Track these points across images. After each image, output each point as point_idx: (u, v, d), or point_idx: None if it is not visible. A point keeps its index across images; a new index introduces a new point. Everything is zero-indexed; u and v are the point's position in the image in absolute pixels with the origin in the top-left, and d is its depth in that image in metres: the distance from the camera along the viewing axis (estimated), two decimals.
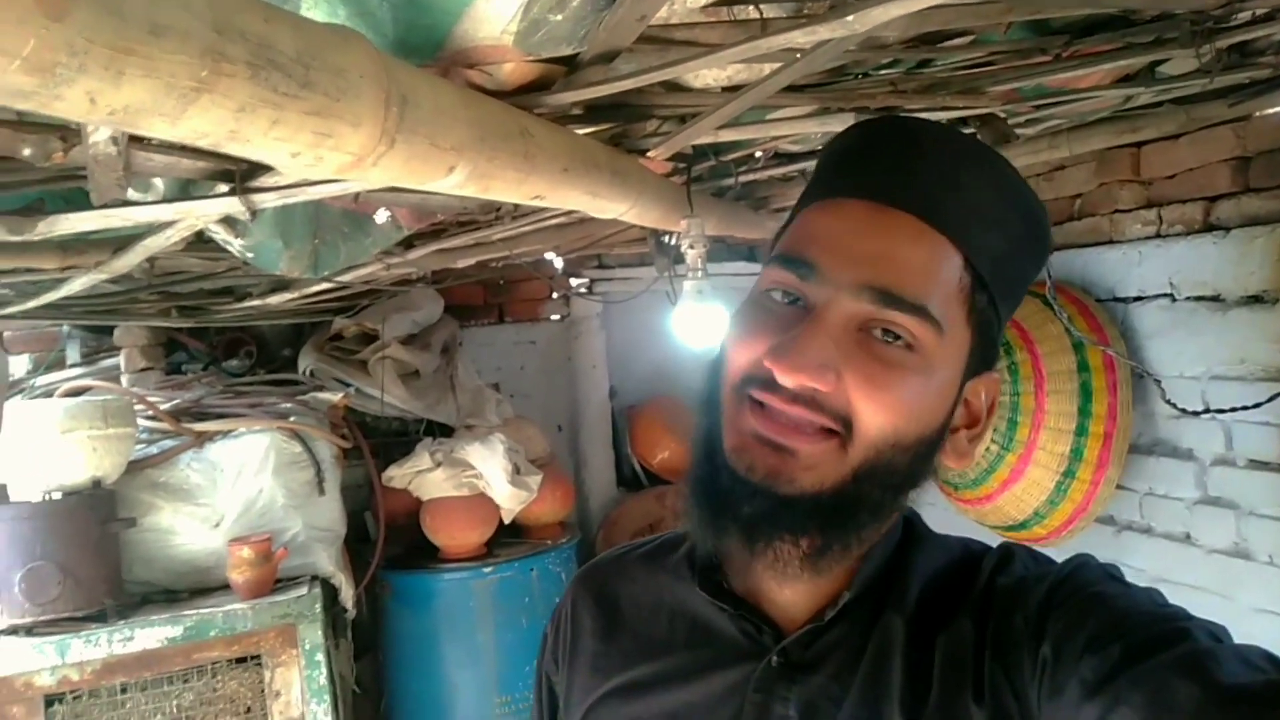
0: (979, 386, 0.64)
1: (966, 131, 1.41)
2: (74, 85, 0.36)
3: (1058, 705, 0.51)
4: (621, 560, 0.80)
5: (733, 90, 1.10)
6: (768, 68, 1.10)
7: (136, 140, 0.88)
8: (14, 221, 0.98)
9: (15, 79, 0.34)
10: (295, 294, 2.08)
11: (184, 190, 1.14)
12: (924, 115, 1.35)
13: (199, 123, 0.43)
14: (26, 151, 0.81)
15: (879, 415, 0.57)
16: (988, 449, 2.57)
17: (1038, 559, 0.64)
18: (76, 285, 1.33)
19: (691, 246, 1.45)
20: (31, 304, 1.51)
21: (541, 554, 3.15)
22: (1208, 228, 2.34)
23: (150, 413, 2.69)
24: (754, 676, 0.63)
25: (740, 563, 0.65)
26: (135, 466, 2.57)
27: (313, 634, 2.51)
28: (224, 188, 1.08)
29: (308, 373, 3.15)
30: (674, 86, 1.12)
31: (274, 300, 2.11)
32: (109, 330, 3.17)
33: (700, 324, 1.53)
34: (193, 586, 2.59)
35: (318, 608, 2.52)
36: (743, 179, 2.00)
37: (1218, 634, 0.51)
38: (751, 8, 0.95)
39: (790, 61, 0.90)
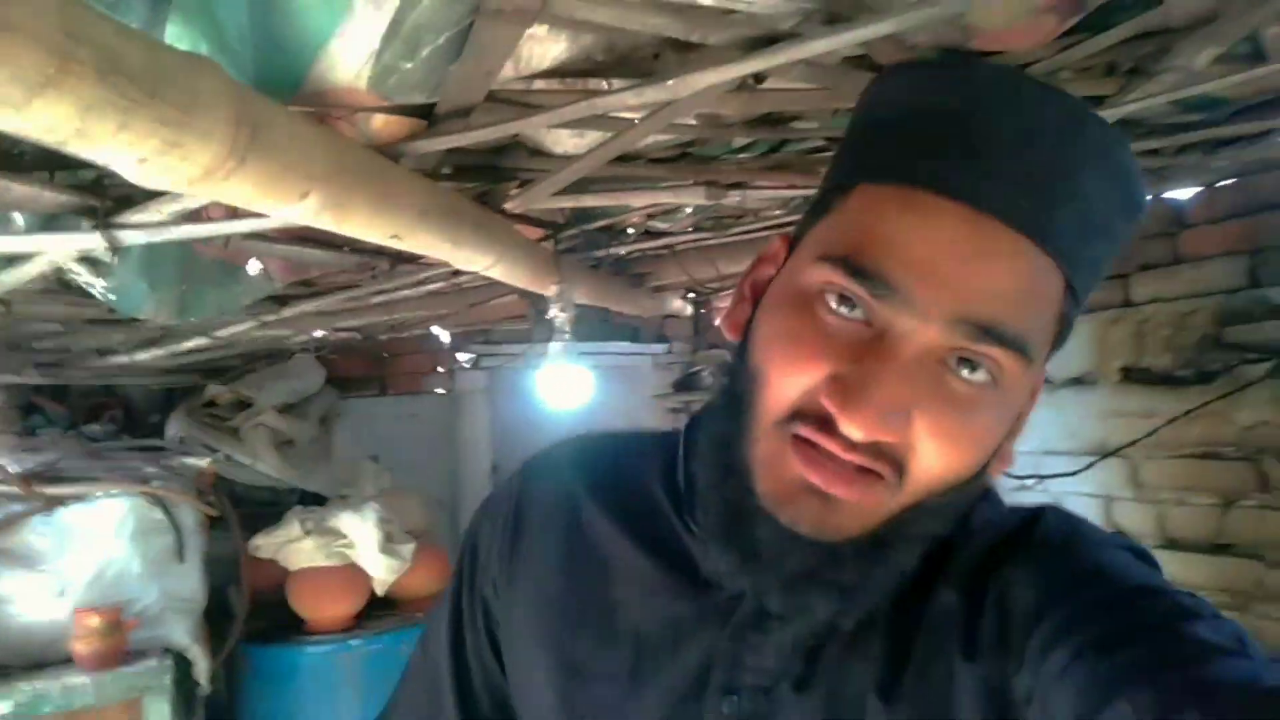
0: (1040, 374, 0.56)
1: None
2: None
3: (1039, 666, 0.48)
4: (587, 461, 0.70)
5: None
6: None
7: None
8: None
9: None
10: (165, 350, 2.05)
11: (45, 228, 1.16)
12: (770, 192, 1.48)
13: (45, 116, 0.48)
14: None
15: (943, 460, 0.50)
16: None
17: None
18: None
19: (561, 310, 1.52)
20: None
21: (413, 627, 3.07)
22: None
23: None
24: (731, 622, 0.58)
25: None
26: None
27: (160, 710, 2.38)
28: (88, 224, 1.10)
29: (177, 439, 3.05)
30: (536, 151, 1.22)
31: (142, 357, 2.07)
32: None
33: (565, 385, 1.59)
34: (28, 662, 2.43)
35: (167, 680, 2.40)
36: (619, 253, 2.11)
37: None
38: (604, 81, 1.06)
39: (623, 130, 1.00)
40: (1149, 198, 0.59)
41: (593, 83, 1.06)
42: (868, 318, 0.50)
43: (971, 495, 0.56)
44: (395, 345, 3.86)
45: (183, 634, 2.62)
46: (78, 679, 2.28)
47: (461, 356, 4.06)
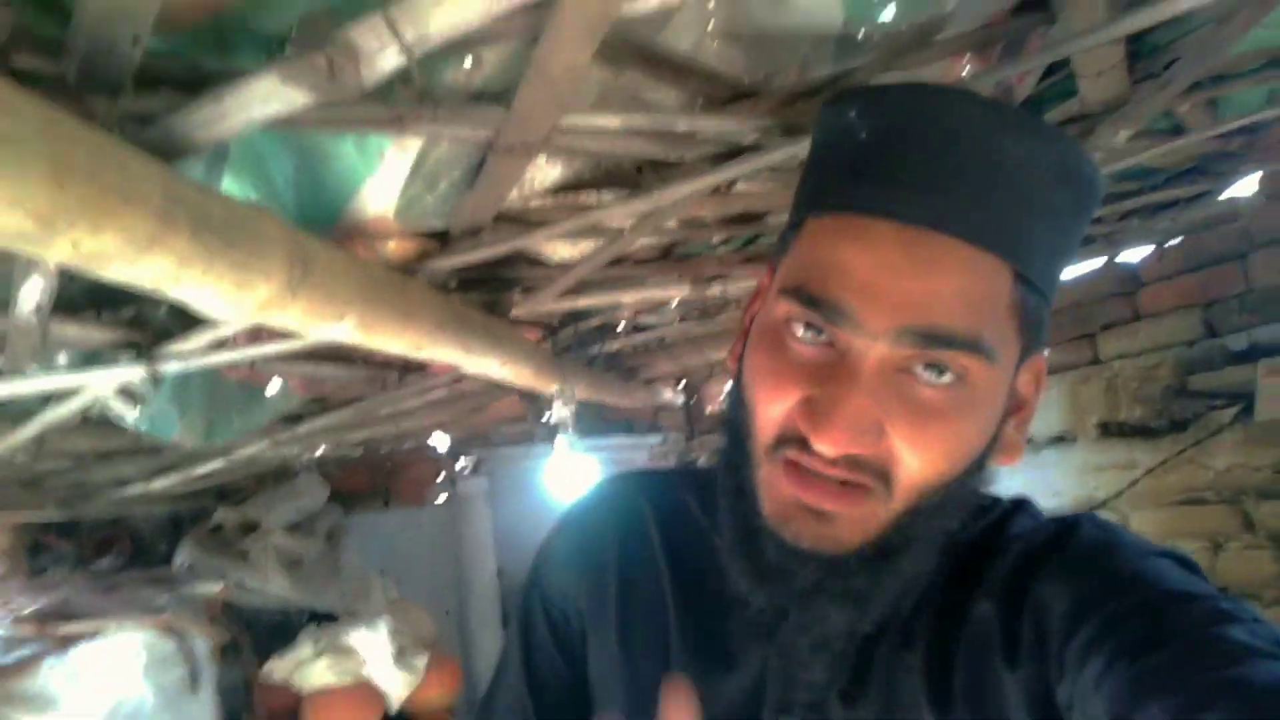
0: (1024, 374, 0.57)
1: None
2: (64, 235, 0.51)
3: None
4: (640, 493, 0.73)
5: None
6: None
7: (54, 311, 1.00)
8: None
9: (24, 225, 0.49)
10: (179, 476, 2.12)
11: (86, 365, 1.25)
12: (749, 281, 1.59)
13: (150, 268, 0.58)
14: None
15: (924, 465, 0.52)
16: None
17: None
18: None
19: (564, 405, 1.62)
20: None
21: None
22: None
23: (9, 618, 2.57)
24: (777, 640, 0.60)
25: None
26: None
27: None
28: (129, 358, 1.19)
29: (186, 566, 3.08)
30: (535, 261, 1.33)
31: (158, 485, 2.14)
32: None
33: (571, 475, 1.67)
34: None
35: None
36: (609, 348, 2.21)
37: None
38: (596, 193, 1.18)
39: (615, 237, 1.11)
40: (1095, 250, 0.60)
41: (584, 195, 1.18)
42: (831, 340, 0.53)
43: (971, 489, 0.57)
44: (397, 457, 3.93)
45: None
46: None
47: (461, 463, 4.12)
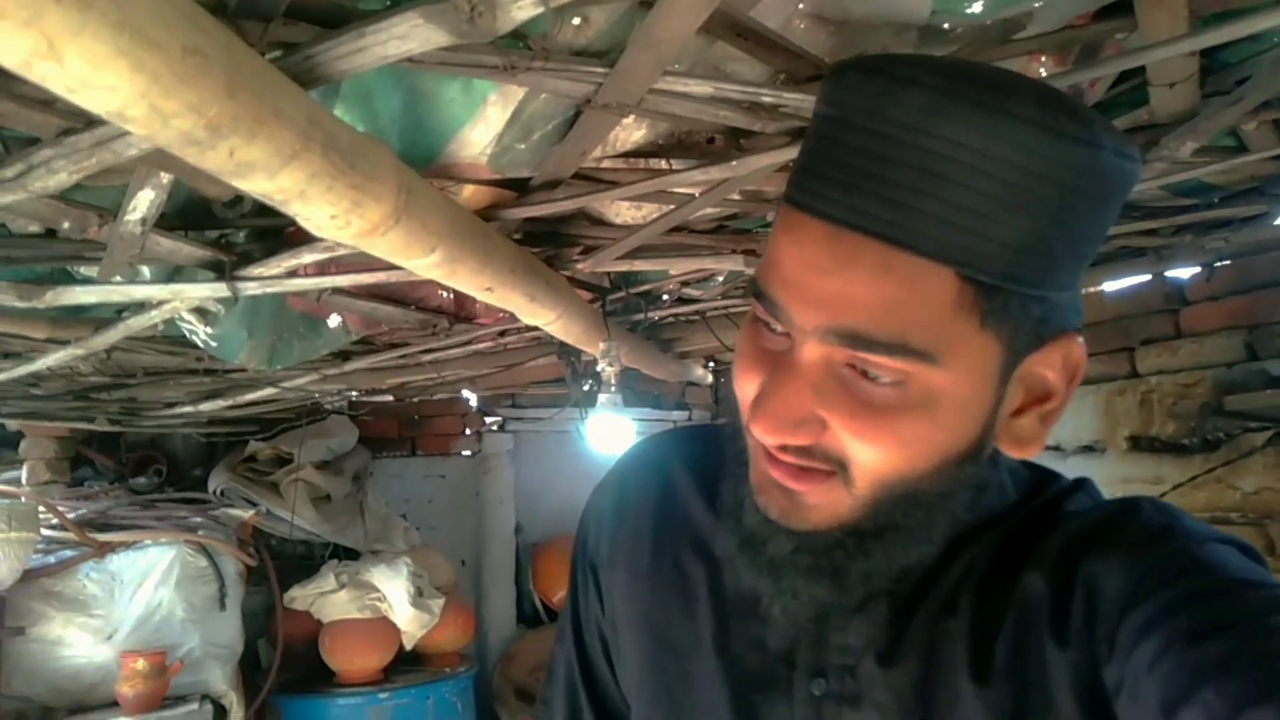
0: (1048, 358, 0.53)
1: None
2: (225, 142, 0.56)
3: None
4: (680, 449, 0.75)
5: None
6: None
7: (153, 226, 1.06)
8: (27, 289, 1.13)
9: (197, 130, 0.54)
10: (228, 401, 2.20)
11: (169, 280, 1.31)
12: None
13: (286, 180, 0.63)
14: (66, 224, 0.99)
15: (876, 457, 0.52)
16: None
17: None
18: (51, 360, 1.45)
19: (609, 365, 1.66)
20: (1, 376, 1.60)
21: (440, 681, 3.14)
22: None
23: (53, 521, 2.67)
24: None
25: None
26: (30, 575, 2.53)
27: None
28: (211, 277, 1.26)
29: (218, 492, 3.18)
30: (597, 221, 1.37)
31: (205, 408, 2.21)
32: (11, 444, 3.16)
33: (611, 433, 1.73)
34: (73, 704, 2.51)
35: None
36: (651, 319, 2.25)
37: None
38: (664, 161, 1.22)
39: (684, 202, 1.15)
40: (1114, 200, 0.51)
41: (652, 161, 1.22)
42: (785, 332, 0.53)
43: (968, 477, 0.55)
44: (426, 408, 4.01)
45: (220, 680, 2.71)
46: None
47: (488, 419, 4.19)
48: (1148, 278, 2.44)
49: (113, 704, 2.47)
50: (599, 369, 1.70)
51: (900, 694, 0.58)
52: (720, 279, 2.13)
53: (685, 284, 2.10)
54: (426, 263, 0.90)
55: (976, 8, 0.99)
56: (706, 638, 0.66)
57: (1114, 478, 2.44)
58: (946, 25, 1.03)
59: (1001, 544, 0.59)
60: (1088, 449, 2.55)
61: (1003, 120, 0.46)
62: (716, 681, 0.64)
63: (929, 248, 0.48)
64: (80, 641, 2.54)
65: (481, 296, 1.11)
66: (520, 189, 1.10)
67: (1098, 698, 0.51)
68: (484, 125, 0.90)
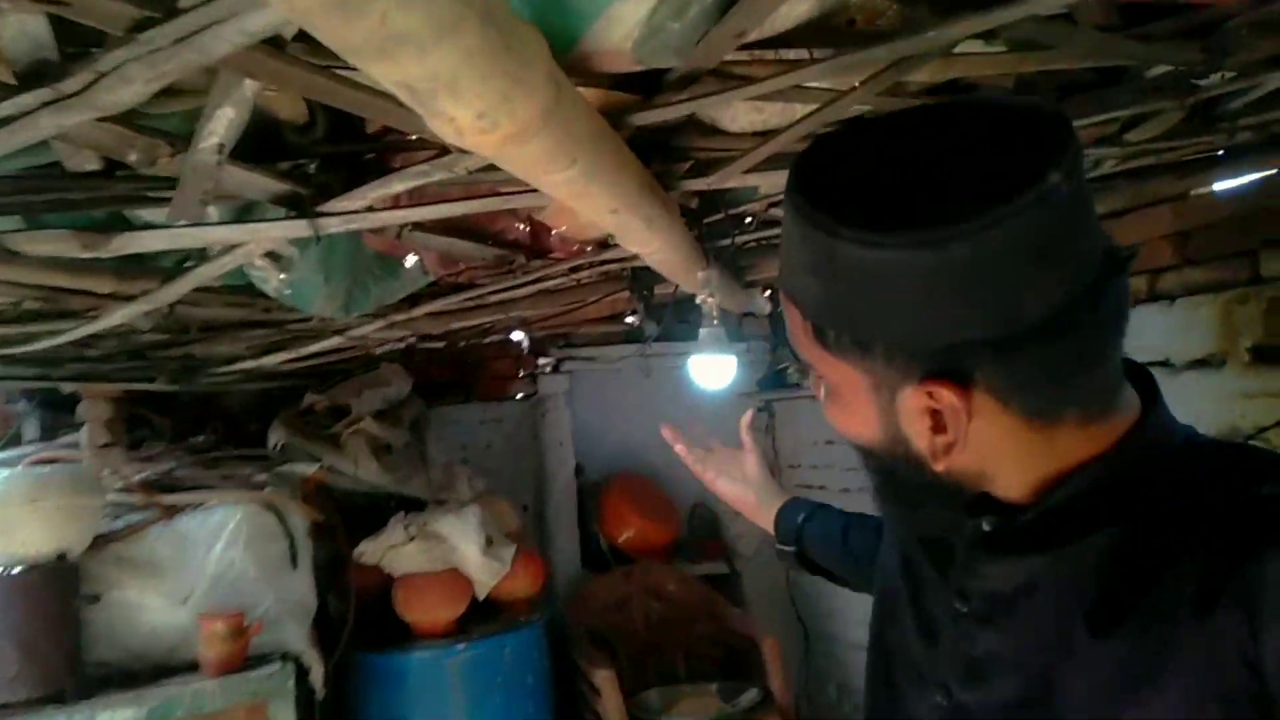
0: (918, 394, 0.62)
1: None
2: (377, 6, 0.42)
3: None
4: None
5: (767, 135, 1.19)
6: (798, 114, 1.19)
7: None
8: (89, 238, 0.99)
9: None
10: (291, 354, 2.08)
11: (238, 220, 1.17)
12: None
13: (439, 61, 0.48)
14: (133, 155, 0.85)
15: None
16: None
17: None
18: (118, 316, 1.33)
19: (711, 295, 1.52)
20: (60, 339, 1.49)
21: (514, 630, 3.08)
22: (1153, 298, 2.51)
23: (118, 485, 2.61)
24: (967, 532, 0.70)
25: None
26: (100, 541, 2.47)
27: (285, 713, 2.41)
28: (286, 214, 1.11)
29: (278, 447, 3.10)
30: (710, 129, 1.21)
31: (267, 362, 2.10)
32: (67, 408, 3.09)
33: (717, 370, 1.59)
34: (154, 666, 2.47)
35: (290, 685, 2.43)
36: (740, 241, 2.09)
37: None
38: (795, 51, 1.05)
39: (834, 98, 0.98)
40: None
41: (783, 52, 1.05)
42: None
43: (895, 462, 0.68)
44: (478, 351, 3.89)
45: (298, 639, 2.65)
46: (205, 684, 2.31)
47: (542, 360, 4.08)
48: (1269, 172, 2.23)
49: (194, 666, 2.42)
50: (699, 300, 1.55)
51: (1022, 627, 0.67)
52: None
53: (773, 204, 1.93)
54: (563, 178, 0.75)
55: None
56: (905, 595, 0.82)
57: (1235, 392, 2.27)
58: None
59: (1162, 518, 0.62)
60: (1201, 363, 2.37)
61: (786, 204, 0.64)
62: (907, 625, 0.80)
63: (787, 288, 0.68)
64: (156, 605, 2.48)
65: (603, 221, 0.96)
66: (643, 89, 0.94)
67: (1241, 692, 0.54)
68: (630, 5, 0.74)
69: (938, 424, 0.63)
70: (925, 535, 0.77)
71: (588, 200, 0.85)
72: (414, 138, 1.10)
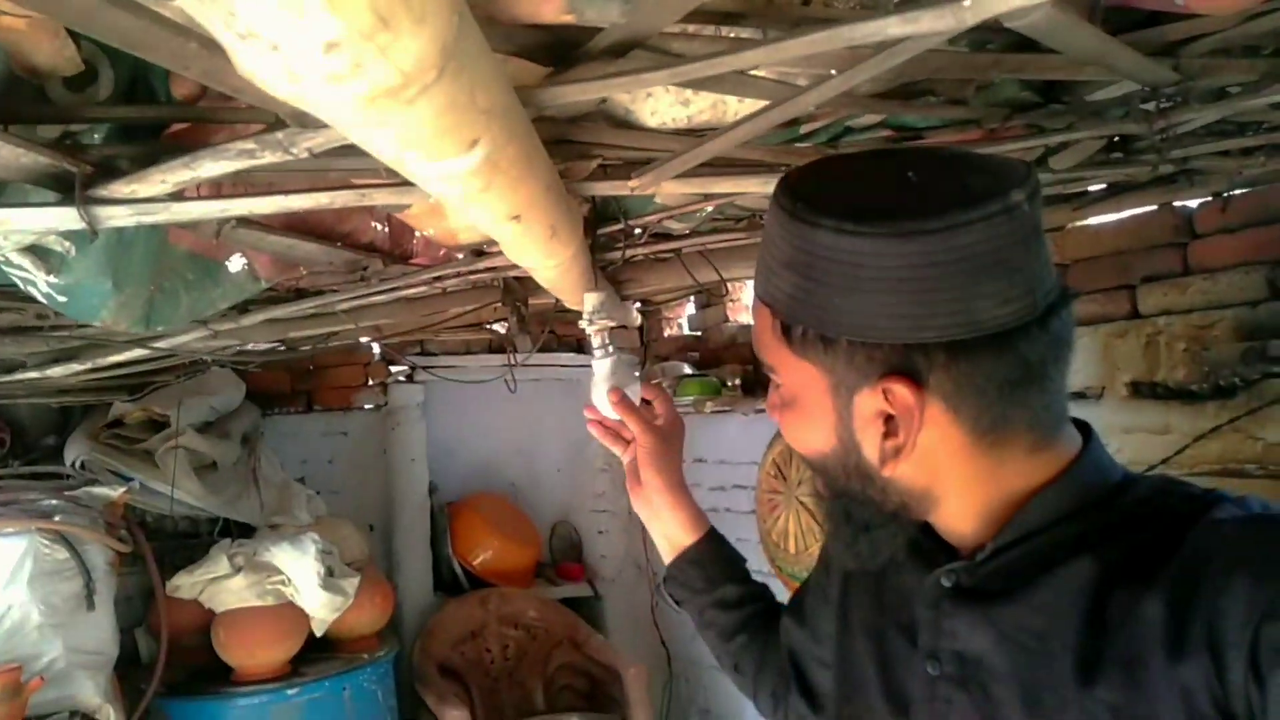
0: (874, 393, 0.65)
1: None
2: None
3: None
4: None
5: (691, 134, 0.98)
6: (731, 113, 0.99)
7: None
8: None
9: None
10: (85, 365, 1.71)
11: None
12: None
13: None
14: None
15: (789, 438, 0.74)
16: None
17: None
18: None
19: (603, 318, 1.29)
20: None
21: (356, 670, 2.77)
22: None
23: None
24: (926, 590, 0.71)
25: None
26: None
27: None
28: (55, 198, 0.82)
29: (78, 464, 2.65)
30: (623, 123, 1.00)
31: (55, 372, 1.73)
32: None
33: (609, 400, 1.37)
34: None
35: None
36: (615, 257, 1.89)
37: None
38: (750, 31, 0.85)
39: (789, 95, 0.77)
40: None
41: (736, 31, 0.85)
42: None
43: (851, 468, 0.69)
44: (322, 357, 3.52)
45: (93, 692, 2.25)
46: None
47: (395, 369, 3.75)
48: (1152, 208, 2.23)
49: None
50: (586, 320, 1.33)
51: (1005, 684, 0.66)
52: (710, 210, 1.78)
53: (669, 217, 1.74)
54: (461, 165, 0.51)
55: None
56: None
57: (1114, 427, 2.26)
58: None
59: (1121, 551, 0.63)
60: (1079, 396, 2.35)
61: (771, 206, 0.68)
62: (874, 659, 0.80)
63: (760, 289, 0.71)
64: None
65: (498, 230, 0.73)
66: (557, 61, 0.72)
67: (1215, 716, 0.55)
68: None
69: (890, 429, 0.66)
70: (869, 568, 0.76)
71: (487, 199, 0.62)
72: (245, 106, 0.83)
